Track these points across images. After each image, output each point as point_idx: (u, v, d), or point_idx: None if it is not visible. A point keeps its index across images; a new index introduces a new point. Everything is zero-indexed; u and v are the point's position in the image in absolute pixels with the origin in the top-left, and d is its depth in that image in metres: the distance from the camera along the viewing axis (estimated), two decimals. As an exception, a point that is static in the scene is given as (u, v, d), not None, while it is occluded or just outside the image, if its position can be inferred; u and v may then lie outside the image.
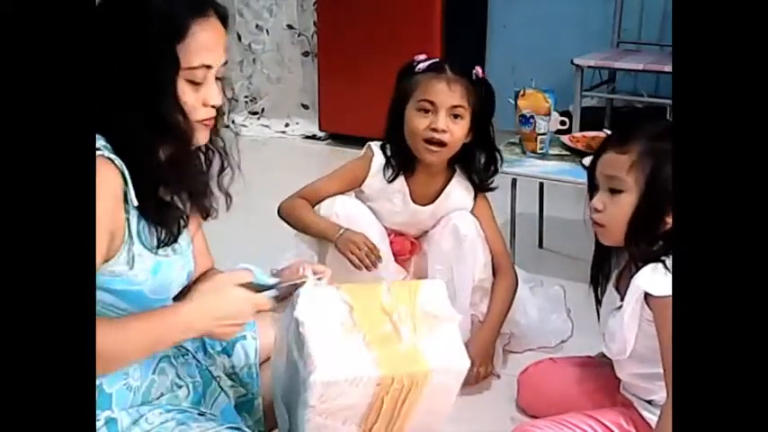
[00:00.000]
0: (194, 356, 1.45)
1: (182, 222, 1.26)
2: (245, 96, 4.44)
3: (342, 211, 1.92)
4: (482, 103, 1.91)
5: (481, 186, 2.00)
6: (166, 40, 1.14)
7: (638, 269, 1.37)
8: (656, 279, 1.32)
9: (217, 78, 1.22)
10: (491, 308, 1.93)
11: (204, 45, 1.17)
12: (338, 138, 3.93)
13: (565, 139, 2.47)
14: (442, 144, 1.87)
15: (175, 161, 1.21)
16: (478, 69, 1.93)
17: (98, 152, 1.10)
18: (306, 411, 1.22)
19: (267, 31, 4.29)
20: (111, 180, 1.13)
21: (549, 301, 2.17)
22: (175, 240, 1.26)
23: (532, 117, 2.36)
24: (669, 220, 1.35)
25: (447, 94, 1.86)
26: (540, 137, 2.37)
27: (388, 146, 1.97)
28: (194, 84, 1.18)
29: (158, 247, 1.23)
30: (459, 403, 1.81)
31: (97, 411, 1.20)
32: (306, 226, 1.94)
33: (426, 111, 1.86)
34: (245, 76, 4.41)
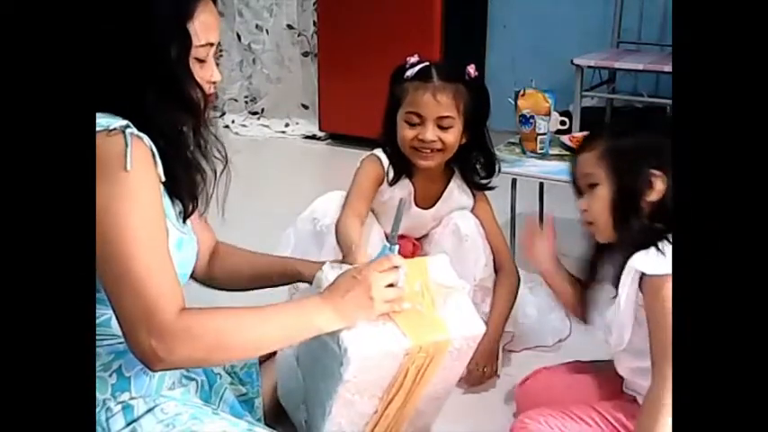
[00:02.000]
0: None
1: (199, 190, 1.30)
2: (245, 96, 4.44)
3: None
4: (475, 104, 1.87)
5: (479, 186, 1.99)
6: (179, 19, 1.20)
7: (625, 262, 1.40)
8: (649, 260, 1.35)
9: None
10: (494, 307, 1.92)
11: (207, 24, 1.24)
12: (338, 138, 3.93)
13: (565, 139, 2.47)
14: (433, 150, 1.85)
15: (193, 131, 1.28)
16: (470, 69, 1.89)
17: (128, 129, 1.13)
18: (338, 388, 1.31)
19: (267, 31, 4.29)
20: (149, 159, 1.17)
21: (548, 301, 2.17)
22: (194, 211, 1.30)
23: (532, 117, 2.36)
24: (654, 193, 1.39)
25: (433, 105, 1.82)
26: (540, 137, 2.37)
27: (386, 149, 1.94)
28: (199, 61, 1.25)
29: (182, 221, 1.29)
30: (459, 403, 1.82)
31: (116, 394, 1.25)
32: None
33: (414, 122, 1.84)
34: (245, 76, 4.41)
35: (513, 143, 2.48)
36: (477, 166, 1.98)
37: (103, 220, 1.09)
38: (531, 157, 2.38)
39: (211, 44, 1.27)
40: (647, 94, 3.68)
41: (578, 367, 1.72)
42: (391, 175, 1.93)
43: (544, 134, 2.37)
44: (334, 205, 1.94)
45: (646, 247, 1.37)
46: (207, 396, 1.39)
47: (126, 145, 1.11)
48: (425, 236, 2.03)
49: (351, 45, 3.77)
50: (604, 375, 1.61)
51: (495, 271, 1.96)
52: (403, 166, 1.92)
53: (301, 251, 1.93)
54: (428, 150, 1.84)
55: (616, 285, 1.49)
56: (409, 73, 1.86)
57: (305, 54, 4.26)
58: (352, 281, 1.28)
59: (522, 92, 2.39)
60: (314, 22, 4.09)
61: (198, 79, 1.25)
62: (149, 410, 1.25)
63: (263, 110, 4.40)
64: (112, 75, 1.16)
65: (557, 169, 2.31)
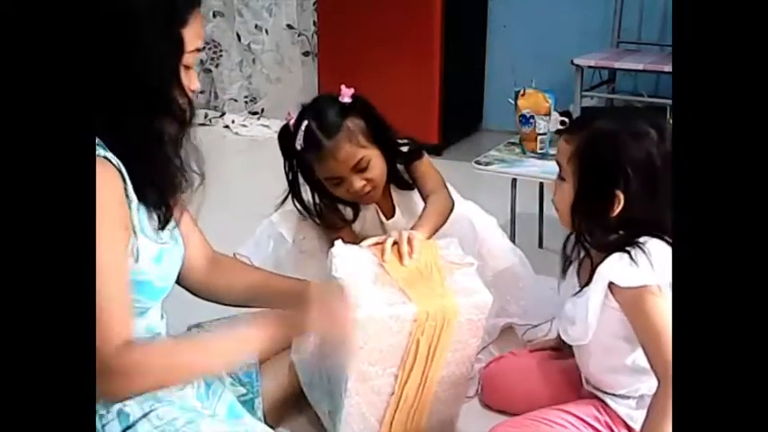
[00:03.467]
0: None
1: (171, 203, 1.29)
2: (245, 96, 4.44)
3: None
4: (369, 123, 1.77)
5: (406, 184, 1.89)
6: (174, 25, 1.20)
7: (592, 258, 1.42)
8: (621, 269, 1.34)
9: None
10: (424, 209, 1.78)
11: (197, 32, 1.24)
12: (338, 138, 3.92)
13: (565, 139, 2.47)
14: (370, 191, 1.79)
15: (175, 139, 1.25)
16: (343, 97, 1.76)
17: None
18: (350, 357, 1.37)
19: (267, 31, 4.29)
20: (114, 180, 1.16)
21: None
22: (168, 222, 1.30)
23: (532, 117, 2.36)
24: (615, 209, 1.37)
25: (340, 164, 1.73)
26: (540, 137, 2.37)
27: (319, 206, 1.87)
28: (186, 68, 1.24)
29: (158, 233, 1.28)
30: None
31: None
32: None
33: (337, 182, 1.77)
34: (244, 76, 4.41)
35: (513, 143, 2.48)
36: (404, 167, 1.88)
37: None
38: (531, 157, 2.38)
39: (198, 50, 1.26)
40: (647, 94, 3.67)
41: (544, 354, 1.75)
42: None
43: (544, 134, 2.37)
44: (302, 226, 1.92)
45: (612, 250, 1.37)
46: (204, 398, 1.39)
47: None
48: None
49: (351, 45, 3.77)
50: (569, 364, 1.63)
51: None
52: (350, 204, 1.88)
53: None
54: (365, 194, 1.79)
55: (578, 275, 1.50)
56: (298, 144, 1.74)
57: (305, 54, 4.26)
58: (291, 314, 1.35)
59: (522, 92, 2.39)
60: (314, 22, 4.09)
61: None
62: (144, 415, 1.25)
63: (263, 110, 4.39)
64: (99, 78, 1.13)
65: (557, 169, 2.30)
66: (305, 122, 1.73)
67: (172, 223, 1.33)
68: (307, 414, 1.67)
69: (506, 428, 1.49)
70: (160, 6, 1.18)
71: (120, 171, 1.17)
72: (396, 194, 1.92)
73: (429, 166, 1.90)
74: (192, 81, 1.26)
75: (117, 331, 1.14)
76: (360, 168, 1.75)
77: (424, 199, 1.84)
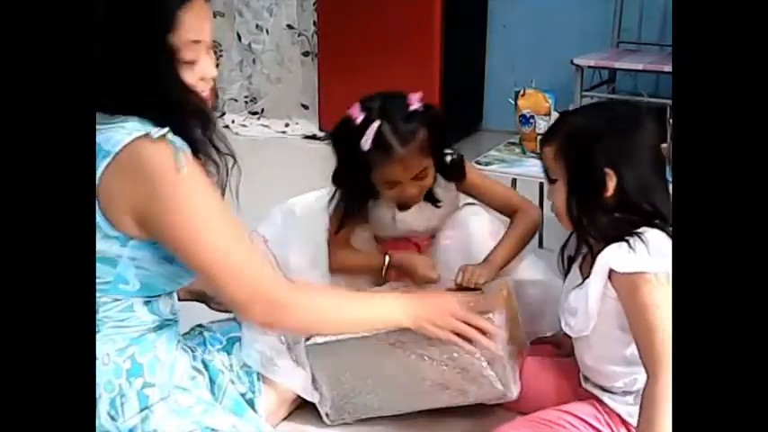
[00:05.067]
0: (193, 351, 1.46)
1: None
2: (245, 96, 4.44)
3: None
4: (435, 136, 1.74)
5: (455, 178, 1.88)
6: (159, 32, 1.20)
7: (592, 252, 1.44)
8: (620, 256, 1.37)
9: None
10: (506, 235, 1.81)
11: (192, 27, 1.23)
12: (338, 138, 3.92)
13: (565, 139, 2.47)
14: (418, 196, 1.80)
15: (203, 127, 1.30)
16: (413, 103, 1.73)
17: (169, 134, 1.19)
18: (456, 401, 1.60)
19: (267, 30, 4.29)
20: (192, 158, 1.23)
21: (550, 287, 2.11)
22: None
23: (532, 117, 2.36)
24: (609, 188, 1.39)
25: (406, 171, 1.72)
26: (540, 137, 2.37)
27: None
28: (189, 63, 1.25)
29: None
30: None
31: (130, 379, 1.29)
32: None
33: (392, 187, 1.76)
34: (244, 76, 4.41)
35: (513, 143, 2.48)
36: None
37: (182, 219, 1.17)
38: (531, 157, 2.38)
39: (198, 41, 1.25)
40: (647, 94, 3.67)
41: (542, 350, 1.75)
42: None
43: (544, 134, 2.37)
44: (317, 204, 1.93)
45: (614, 239, 1.39)
46: (212, 392, 1.42)
47: (176, 149, 1.17)
48: (432, 237, 1.97)
49: (351, 45, 3.77)
50: (566, 363, 1.64)
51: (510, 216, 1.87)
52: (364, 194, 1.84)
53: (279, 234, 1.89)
54: (414, 198, 1.80)
55: (581, 269, 1.50)
56: (365, 145, 1.67)
57: (305, 54, 4.26)
58: (440, 297, 1.48)
59: (522, 92, 2.40)
60: (314, 22, 4.09)
61: (191, 81, 1.26)
62: (163, 399, 1.29)
63: (263, 110, 4.39)
64: (111, 91, 1.19)
65: (557, 169, 2.31)
66: (376, 123, 1.68)
67: None
68: (309, 414, 1.68)
69: (507, 430, 1.50)
70: (142, 16, 1.18)
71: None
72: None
73: (483, 177, 1.93)
74: (203, 71, 1.28)
75: (278, 275, 1.27)
76: (419, 177, 1.75)
77: (507, 215, 1.87)
